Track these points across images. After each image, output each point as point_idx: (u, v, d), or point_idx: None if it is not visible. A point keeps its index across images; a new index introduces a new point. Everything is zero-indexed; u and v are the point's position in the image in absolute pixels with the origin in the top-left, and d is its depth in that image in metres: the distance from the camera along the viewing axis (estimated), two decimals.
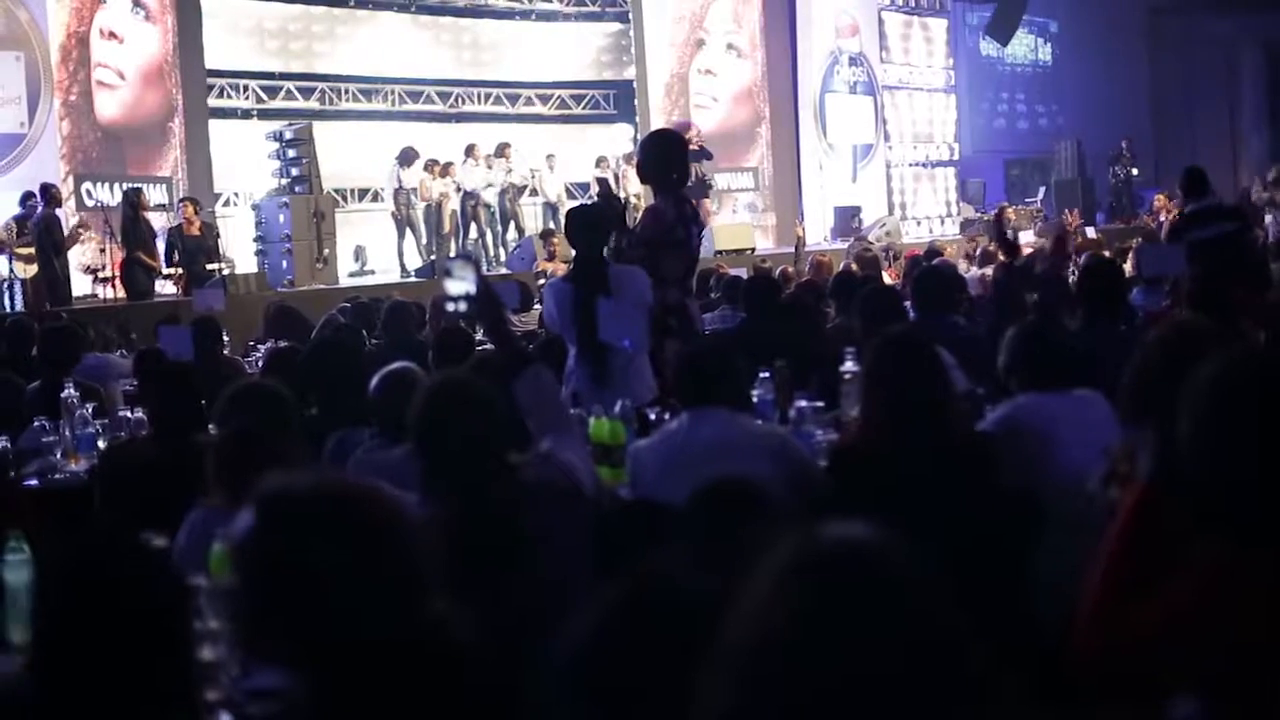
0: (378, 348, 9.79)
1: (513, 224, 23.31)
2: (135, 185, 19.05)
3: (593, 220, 8.30)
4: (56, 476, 7.21)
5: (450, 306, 4.82)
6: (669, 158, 8.84)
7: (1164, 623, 2.85)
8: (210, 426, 5.92)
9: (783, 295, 10.27)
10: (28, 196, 17.76)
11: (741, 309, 9.81)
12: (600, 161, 24.63)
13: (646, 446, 5.62)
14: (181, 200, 19.28)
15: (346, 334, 9.94)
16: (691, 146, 22.65)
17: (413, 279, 20.25)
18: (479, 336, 8.43)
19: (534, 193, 24.54)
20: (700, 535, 3.21)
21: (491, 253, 22.73)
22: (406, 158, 22.09)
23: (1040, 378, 5.39)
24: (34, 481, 7.08)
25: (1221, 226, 11.02)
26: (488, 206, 23.00)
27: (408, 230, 22.16)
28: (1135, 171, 29.76)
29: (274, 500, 2.60)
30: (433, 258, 21.17)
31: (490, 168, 23.10)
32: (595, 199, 10.67)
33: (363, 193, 24.94)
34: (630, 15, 26.76)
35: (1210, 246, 10.39)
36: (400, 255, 22.16)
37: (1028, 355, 5.48)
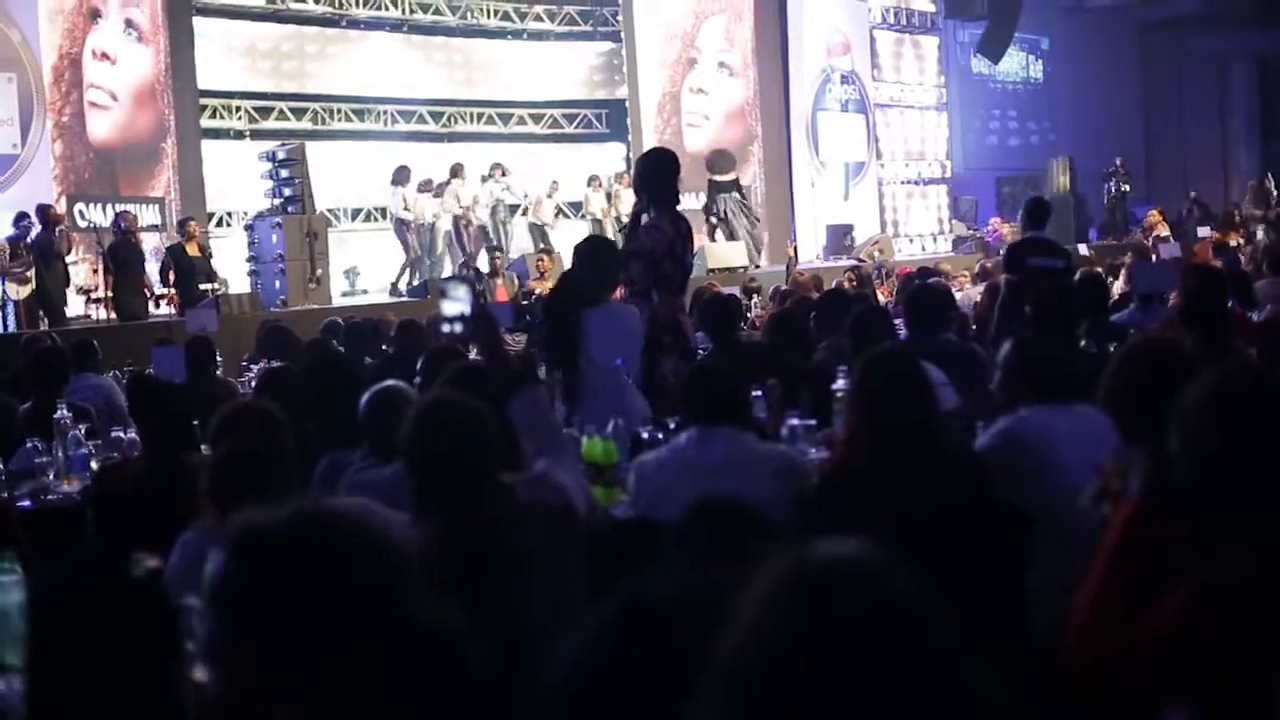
0: (380, 365, 9.82)
1: (506, 244, 23.32)
2: (125, 208, 19.05)
3: (604, 254, 8.42)
4: (49, 497, 7.20)
5: (446, 328, 4.83)
6: (666, 176, 8.92)
7: (1157, 635, 2.86)
8: (203, 447, 5.92)
9: (774, 314, 10.30)
10: (21, 217, 17.77)
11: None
12: (592, 180, 24.68)
13: (654, 460, 5.63)
14: (188, 219, 19.30)
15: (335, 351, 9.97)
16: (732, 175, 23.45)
17: (405, 299, 20.26)
18: (472, 356, 8.44)
19: (527, 212, 24.58)
20: (691, 553, 3.21)
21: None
22: (400, 177, 22.09)
23: (1040, 392, 5.39)
24: (27, 502, 7.06)
25: (1055, 260, 11.58)
26: (480, 227, 23.02)
27: (404, 250, 22.12)
28: (1128, 188, 29.81)
29: (242, 538, 2.60)
30: (426, 278, 21.20)
31: (483, 186, 23.12)
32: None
33: (355, 212, 24.96)
34: (622, 34, 26.81)
35: (1050, 274, 11.06)
36: (399, 274, 22.11)
37: (1028, 369, 5.49)
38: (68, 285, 17.99)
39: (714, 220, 23.71)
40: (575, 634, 2.34)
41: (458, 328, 4.76)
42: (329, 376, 6.78)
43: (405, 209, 21.99)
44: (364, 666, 2.49)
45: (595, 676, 2.28)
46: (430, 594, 2.68)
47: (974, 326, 11.03)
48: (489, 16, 26.58)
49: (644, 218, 8.89)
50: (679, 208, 9.03)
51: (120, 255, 17.96)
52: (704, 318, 9.00)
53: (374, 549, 2.60)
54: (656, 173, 8.97)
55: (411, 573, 2.65)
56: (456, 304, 4.71)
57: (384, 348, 11.64)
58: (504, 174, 23.56)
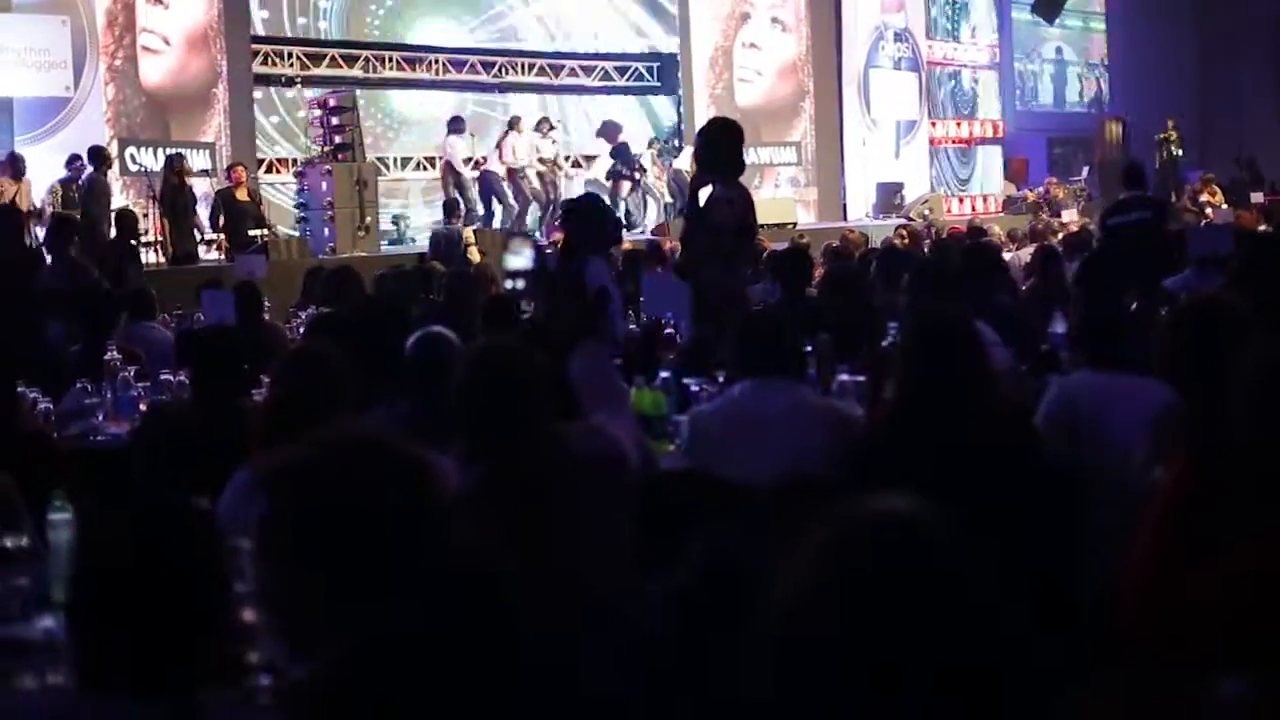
0: (429, 314, 9.79)
1: (555, 197, 23.24)
2: (178, 151, 19.08)
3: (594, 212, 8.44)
4: (98, 438, 7.24)
5: (509, 283, 4.85)
6: (736, 147, 8.94)
7: (1204, 600, 2.85)
8: (252, 391, 5.93)
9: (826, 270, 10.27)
10: (73, 159, 17.83)
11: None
12: (652, 143, 24.67)
13: (708, 413, 5.63)
14: (234, 165, 19.34)
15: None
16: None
17: None
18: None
19: (577, 164, 24.52)
20: (772, 528, 3.18)
21: (530, 224, 22.66)
22: (456, 127, 22.03)
23: (1093, 357, 5.39)
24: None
25: (1142, 214, 11.87)
26: (533, 178, 22.94)
27: (458, 200, 21.97)
28: (1180, 153, 29.54)
29: (272, 474, 2.61)
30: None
31: (535, 140, 23.07)
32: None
33: (405, 161, 24.94)
34: None
35: (1128, 230, 11.56)
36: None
37: (1082, 335, 5.50)
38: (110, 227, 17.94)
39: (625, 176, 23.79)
40: (647, 600, 2.33)
41: (520, 283, 4.77)
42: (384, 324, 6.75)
43: (458, 158, 21.86)
44: (405, 592, 2.49)
45: (673, 643, 2.28)
46: (473, 534, 2.68)
47: (1022, 288, 10.95)
48: None
49: (704, 191, 8.82)
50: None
51: (172, 199, 18.01)
52: (779, 266, 9.01)
53: (406, 472, 2.60)
54: (727, 145, 8.95)
55: (445, 499, 2.65)
56: (520, 259, 4.72)
57: (430, 296, 11.59)
58: (551, 128, 23.49)
